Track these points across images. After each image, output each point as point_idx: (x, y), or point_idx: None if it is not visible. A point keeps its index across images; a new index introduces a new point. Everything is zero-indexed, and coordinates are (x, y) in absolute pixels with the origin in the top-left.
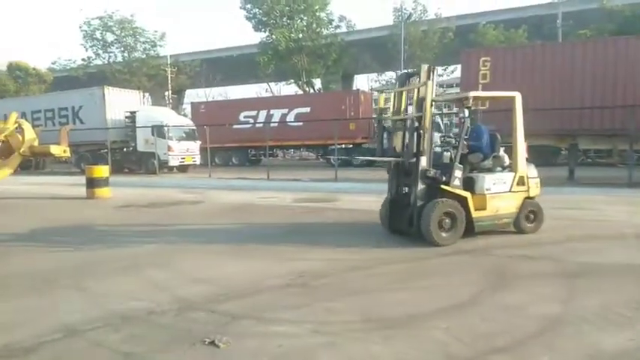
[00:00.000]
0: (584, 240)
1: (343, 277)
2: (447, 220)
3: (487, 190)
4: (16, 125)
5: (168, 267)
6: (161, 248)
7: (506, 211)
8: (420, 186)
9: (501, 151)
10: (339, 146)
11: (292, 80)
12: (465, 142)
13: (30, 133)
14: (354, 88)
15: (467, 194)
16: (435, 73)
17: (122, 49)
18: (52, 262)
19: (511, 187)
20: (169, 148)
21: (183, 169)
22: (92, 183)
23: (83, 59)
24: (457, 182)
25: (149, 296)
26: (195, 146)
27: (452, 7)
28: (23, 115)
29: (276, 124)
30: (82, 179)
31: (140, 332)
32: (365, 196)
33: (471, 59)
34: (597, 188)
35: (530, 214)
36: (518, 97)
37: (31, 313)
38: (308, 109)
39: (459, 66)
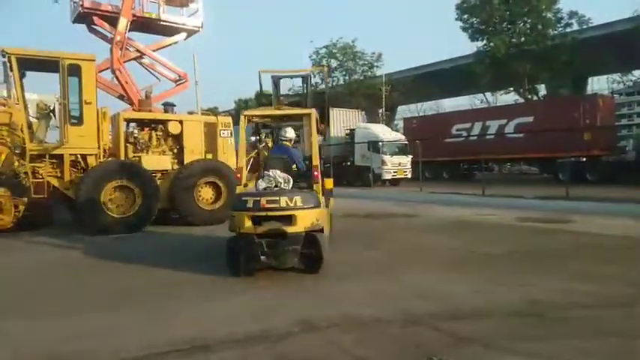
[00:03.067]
0: None
1: (592, 313)
2: None
3: None
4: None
5: (391, 277)
6: (382, 258)
7: None
8: None
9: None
10: (570, 160)
11: (511, 88)
12: None
13: None
14: (588, 92)
15: None
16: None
17: (344, 72)
18: None
19: None
20: (383, 162)
21: (395, 182)
22: None
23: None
24: None
25: (376, 304)
26: (407, 160)
27: None
28: None
29: (491, 137)
30: None
31: (368, 338)
32: (607, 218)
33: None
34: None
35: None
36: (313, 114)
37: (275, 305)
38: (530, 119)
39: None
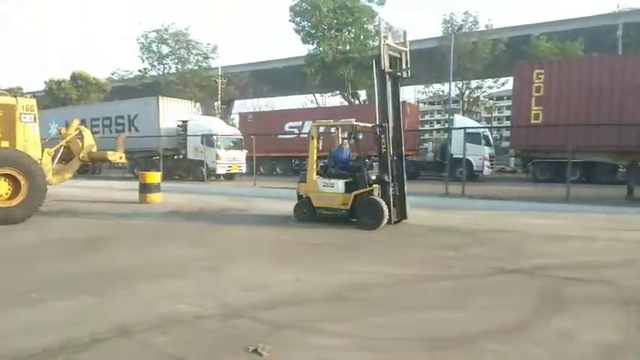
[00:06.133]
0: None
1: (390, 292)
2: None
3: None
4: (77, 132)
5: (215, 273)
6: (208, 254)
7: None
8: None
9: None
10: None
11: (338, 91)
12: None
13: (89, 140)
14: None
15: None
16: None
17: (176, 60)
18: (105, 263)
19: None
20: (217, 157)
21: (229, 177)
22: (145, 188)
23: (140, 70)
24: None
25: (196, 301)
26: (241, 155)
27: (504, 18)
28: (83, 122)
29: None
30: (135, 184)
31: (186, 336)
32: (412, 209)
33: (524, 72)
34: None
35: None
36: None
37: (87, 311)
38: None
39: (510, 78)
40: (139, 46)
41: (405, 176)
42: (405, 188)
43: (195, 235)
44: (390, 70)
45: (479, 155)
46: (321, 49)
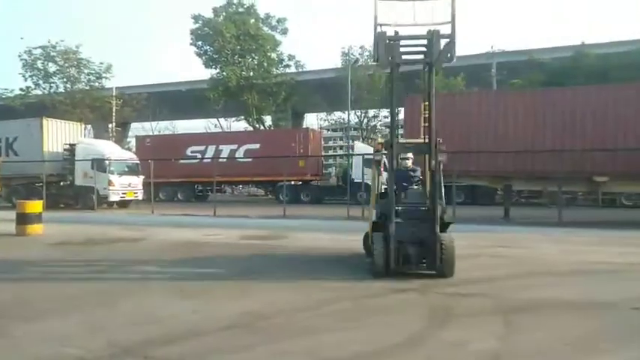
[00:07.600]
0: (520, 277)
1: (289, 318)
2: None
3: None
4: None
5: (105, 309)
6: (98, 289)
7: None
8: None
9: None
10: (288, 183)
11: (242, 117)
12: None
13: None
14: (304, 126)
15: None
16: None
17: (65, 80)
18: None
19: None
20: (110, 183)
21: (123, 204)
22: (23, 218)
23: (22, 89)
24: None
25: (82, 341)
26: (138, 181)
27: None
28: None
29: (224, 160)
30: (12, 214)
31: None
32: (315, 233)
33: (415, 103)
34: (530, 227)
35: None
36: None
37: None
38: (257, 146)
39: (403, 109)
40: (22, 63)
41: (438, 209)
42: (437, 226)
43: (81, 269)
44: (390, 60)
45: None
46: (224, 74)
